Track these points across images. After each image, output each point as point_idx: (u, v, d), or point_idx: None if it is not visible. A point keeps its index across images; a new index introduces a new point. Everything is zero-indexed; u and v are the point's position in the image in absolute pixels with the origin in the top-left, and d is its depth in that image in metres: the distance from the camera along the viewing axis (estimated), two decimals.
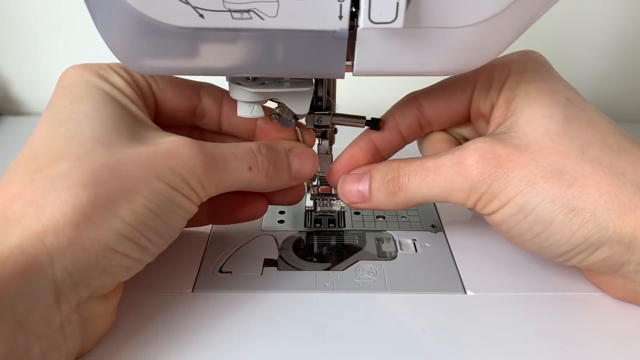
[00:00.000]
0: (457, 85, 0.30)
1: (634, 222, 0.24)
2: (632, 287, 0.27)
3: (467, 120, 0.31)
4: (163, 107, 0.30)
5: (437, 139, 0.32)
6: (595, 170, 0.25)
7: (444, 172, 0.27)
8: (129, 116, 0.26)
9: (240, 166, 0.27)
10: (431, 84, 0.31)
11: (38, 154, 0.23)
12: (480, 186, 0.26)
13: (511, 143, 0.26)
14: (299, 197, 0.32)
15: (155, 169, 0.24)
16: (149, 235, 0.24)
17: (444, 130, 0.32)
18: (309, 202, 0.36)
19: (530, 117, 0.26)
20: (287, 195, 0.32)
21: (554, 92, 0.27)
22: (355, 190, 0.29)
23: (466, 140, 0.31)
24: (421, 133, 0.32)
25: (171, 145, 0.25)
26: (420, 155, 0.31)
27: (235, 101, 0.28)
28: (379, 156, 0.32)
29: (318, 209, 0.35)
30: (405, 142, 0.32)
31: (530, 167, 0.25)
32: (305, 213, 0.36)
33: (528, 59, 0.29)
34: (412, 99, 0.31)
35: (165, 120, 0.30)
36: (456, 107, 0.31)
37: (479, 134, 0.31)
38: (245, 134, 0.32)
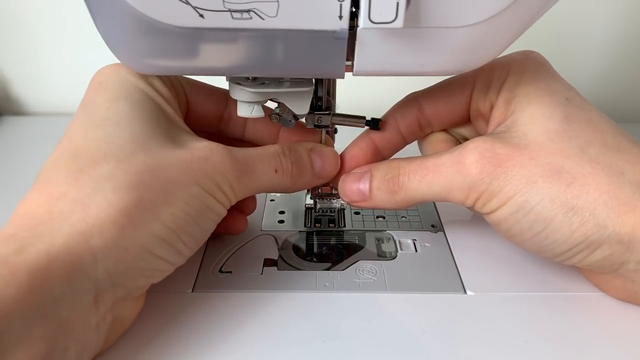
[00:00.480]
0: (456, 85, 0.30)
1: (633, 222, 0.24)
2: (631, 286, 0.26)
3: (467, 120, 0.31)
4: (194, 109, 0.30)
5: (437, 139, 0.32)
6: (595, 169, 0.25)
7: (444, 171, 0.27)
8: (165, 117, 0.26)
9: (267, 169, 0.28)
10: (431, 84, 0.31)
11: (79, 153, 0.23)
12: (479, 185, 0.26)
13: (510, 142, 0.26)
14: (240, 229, 0.33)
15: (193, 174, 0.24)
16: (185, 239, 0.24)
17: (444, 130, 0.32)
18: (309, 200, 0.36)
19: (530, 116, 0.26)
20: (232, 225, 0.32)
21: (554, 92, 0.27)
22: (356, 189, 0.30)
23: (466, 140, 0.31)
24: (421, 133, 0.32)
25: (205, 151, 0.25)
26: (421, 155, 0.31)
27: (264, 109, 0.29)
28: (380, 156, 0.32)
29: (318, 206, 0.35)
30: (405, 142, 0.32)
31: (530, 166, 0.25)
32: (305, 211, 0.36)
33: (527, 59, 0.29)
34: (413, 99, 0.31)
35: (194, 124, 0.30)
36: (456, 107, 0.31)
37: (478, 134, 0.31)
38: (267, 142, 0.32)
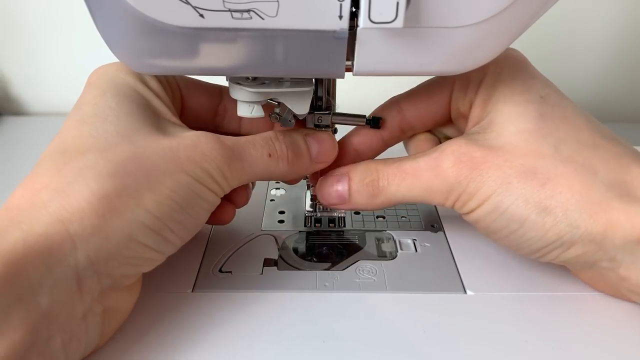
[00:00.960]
0: (436, 86, 0.31)
1: (604, 221, 0.24)
2: (609, 282, 0.27)
3: (448, 120, 0.32)
4: (188, 105, 0.30)
5: (420, 139, 0.32)
6: (568, 169, 0.25)
7: (422, 175, 0.27)
8: (153, 111, 0.26)
9: (259, 154, 0.27)
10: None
11: (66, 149, 0.24)
12: (457, 188, 0.26)
13: (485, 144, 0.26)
14: (227, 219, 0.32)
15: (180, 162, 0.24)
16: (172, 227, 0.24)
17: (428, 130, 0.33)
18: (309, 206, 0.36)
19: (505, 116, 0.27)
20: (219, 215, 0.31)
21: (528, 90, 0.27)
22: (335, 192, 0.30)
23: (449, 139, 0.31)
24: (403, 136, 0.32)
25: (193, 139, 0.25)
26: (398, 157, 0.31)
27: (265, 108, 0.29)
28: (360, 160, 0.32)
29: (318, 214, 0.35)
30: (386, 145, 0.32)
31: (504, 168, 0.25)
32: (306, 217, 0.36)
33: (505, 57, 0.29)
34: (394, 103, 0.31)
35: (190, 120, 0.30)
36: (437, 108, 0.31)
37: (461, 133, 0.31)
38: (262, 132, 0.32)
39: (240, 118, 0.31)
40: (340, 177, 0.30)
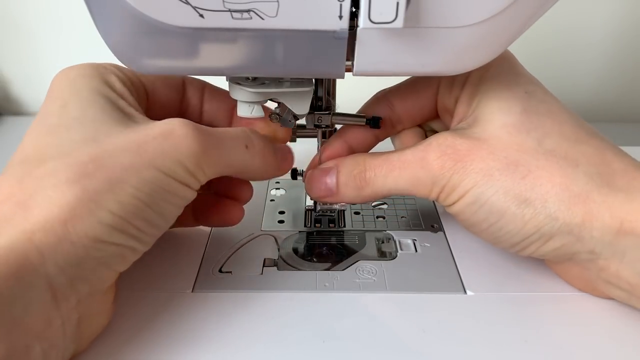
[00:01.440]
0: (423, 81, 0.31)
1: (583, 213, 0.24)
2: (587, 275, 0.27)
3: (435, 115, 0.32)
4: (153, 99, 0.30)
5: (407, 133, 0.33)
6: (549, 161, 0.25)
7: (409, 167, 0.28)
8: (119, 111, 0.26)
9: (236, 144, 0.27)
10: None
11: (28, 157, 0.23)
12: (441, 179, 0.27)
13: (471, 137, 0.27)
14: (237, 218, 0.32)
15: (147, 156, 0.23)
16: (139, 224, 0.24)
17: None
18: (309, 202, 0.36)
19: (490, 111, 0.27)
20: (227, 215, 0.31)
21: (514, 86, 0.27)
22: (323, 184, 0.30)
23: (435, 133, 0.31)
24: (393, 130, 0.33)
25: (165, 127, 0.24)
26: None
27: (214, 90, 0.29)
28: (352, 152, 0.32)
29: (318, 208, 0.35)
30: (377, 140, 0.33)
31: (488, 160, 0.26)
32: (306, 213, 0.36)
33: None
34: (383, 97, 0.32)
35: (158, 114, 0.29)
36: (424, 103, 0.31)
37: (447, 129, 0.31)
38: (222, 120, 0.32)
39: (201, 106, 0.31)
40: (329, 170, 0.30)
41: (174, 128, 0.24)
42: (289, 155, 0.31)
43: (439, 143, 0.27)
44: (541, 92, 0.28)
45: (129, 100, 0.27)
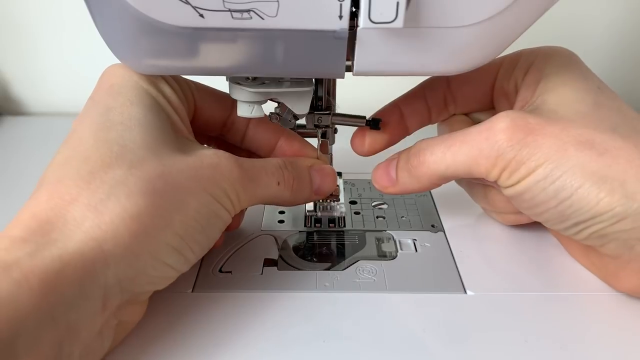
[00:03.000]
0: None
1: None
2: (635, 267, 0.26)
3: (489, 102, 0.32)
4: (200, 114, 0.30)
5: (457, 120, 0.32)
6: (627, 144, 0.24)
7: (471, 139, 0.26)
8: (173, 126, 0.26)
9: (270, 181, 0.28)
10: None
11: (90, 156, 0.23)
12: (508, 152, 0.25)
13: (542, 115, 0.26)
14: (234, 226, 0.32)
15: (203, 181, 0.24)
16: (193, 246, 0.24)
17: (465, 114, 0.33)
18: (309, 206, 0.36)
19: (560, 97, 0.26)
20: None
21: (585, 79, 0.27)
22: (385, 173, 0.30)
23: None
24: (445, 110, 0.32)
25: (214, 159, 0.25)
26: None
27: (263, 119, 0.29)
28: (404, 127, 0.32)
29: (319, 213, 0.35)
30: (430, 116, 0.32)
31: (561, 136, 0.25)
32: (306, 217, 0.36)
33: (552, 48, 0.29)
34: (442, 78, 0.31)
35: (198, 127, 0.30)
36: (481, 86, 0.31)
37: None
38: (264, 150, 0.32)
39: (245, 131, 0.31)
40: (392, 160, 0.30)
41: (220, 162, 0.26)
42: (327, 179, 0.31)
43: (508, 114, 0.26)
44: (609, 90, 0.27)
45: (181, 114, 0.27)
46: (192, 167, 0.24)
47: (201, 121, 0.30)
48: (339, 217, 0.35)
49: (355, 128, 0.32)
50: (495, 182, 0.27)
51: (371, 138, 0.32)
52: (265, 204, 0.30)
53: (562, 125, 0.25)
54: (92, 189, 0.22)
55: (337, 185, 0.36)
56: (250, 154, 0.33)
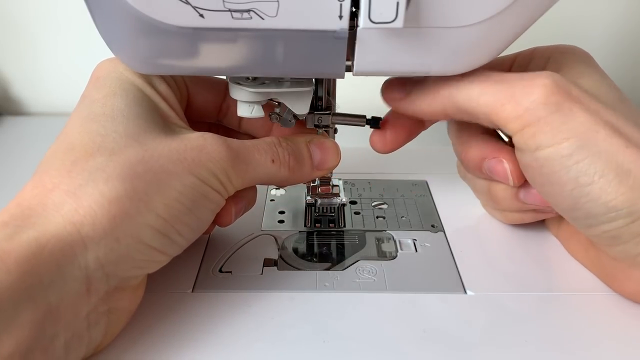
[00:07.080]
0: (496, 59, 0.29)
1: None
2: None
3: None
4: (194, 101, 0.30)
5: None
6: None
7: (507, 80, 0.25)
8: (160, 114, 0.26)
9: (263, 159, 0.27)
10: None
11: (73, 146, 0.24)
12: (540, 109, 0.23)
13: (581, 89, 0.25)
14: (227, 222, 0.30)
15: (187, 164, 0.24)
16: (179, 228, 0.24)
17: None
18: (309, 198, 0.36)
19: (590, 84, 0.26)
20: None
21: (605, 76, 0.27)
22: (399, 84, 0.28)
23: (494, 129, 0.30)
24: None
25: (199, 141, 0.25)
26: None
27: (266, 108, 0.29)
28: (421, 121, 0.31)
29: (318, 203, 0.35)
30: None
31: (596, 114, 0.24)
32: (306, 210, 0.36)
33: (570, 45, 0.29)
34: None
35: (194, 114, 0.30)
36: None
37: None
38: (262, 132, 0.32)
39: (242, 117, 0.31)
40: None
41: (207, 143, 0.25)
42: (328, 152, 0.30)
43: (552, 74, 0.24)
44: (622, 92, 0.27)
45: (171, 102, 0.27)
46: (175, 150, 0.24)
47: (196, 108, 0.31)
48: (338, 209, 0.35)
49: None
50: (512, 138, 0.25)
51: (392, 134, 0.31)
52: (265, 184, 0.29)
53: (600, 106, 0.24)
54: (72, 176, 0.22)
55: (337, 185, 0.36)
56: (250, 137, 0.32)
